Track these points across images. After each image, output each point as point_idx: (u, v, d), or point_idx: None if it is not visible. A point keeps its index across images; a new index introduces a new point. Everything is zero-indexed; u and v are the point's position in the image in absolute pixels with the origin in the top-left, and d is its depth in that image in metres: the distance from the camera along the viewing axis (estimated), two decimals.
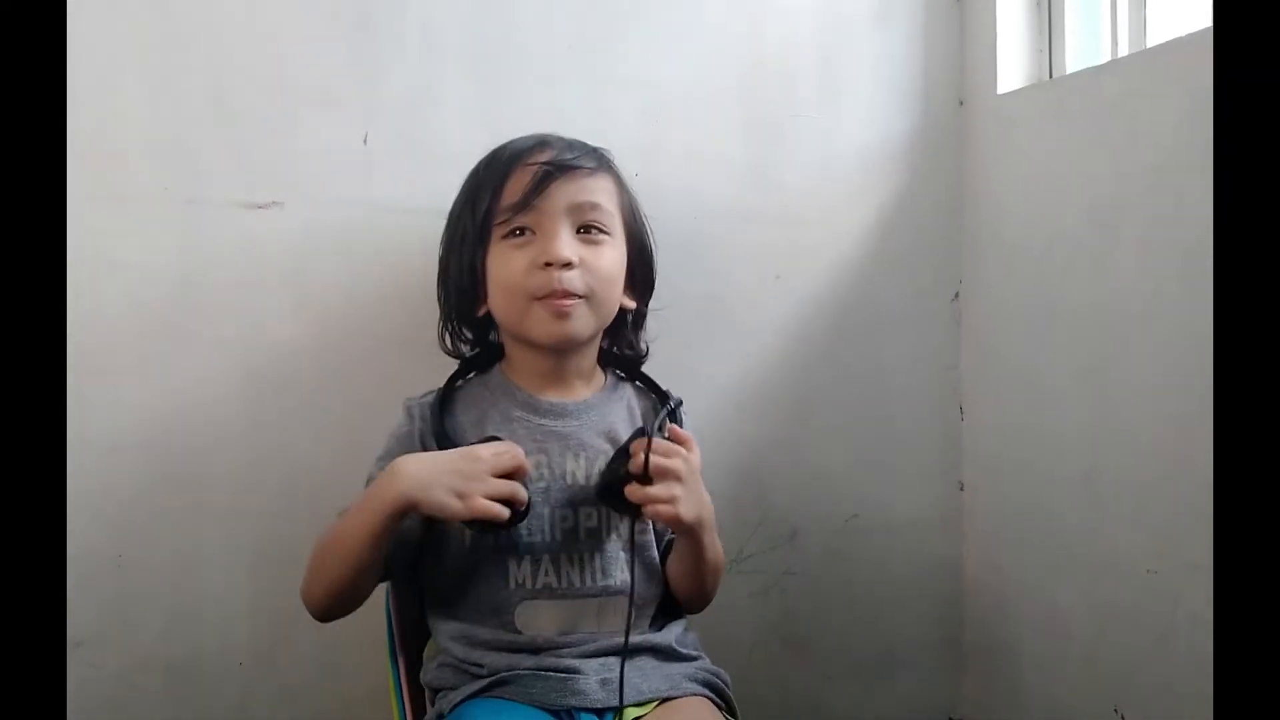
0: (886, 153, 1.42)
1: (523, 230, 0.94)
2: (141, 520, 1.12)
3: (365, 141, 1.18)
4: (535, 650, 0.91)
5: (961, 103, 1.45)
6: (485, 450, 0.86)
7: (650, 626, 0.97)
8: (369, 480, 0.94)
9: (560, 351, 0.97)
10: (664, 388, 1.03)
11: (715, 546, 0.97)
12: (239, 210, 1.13)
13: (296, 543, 1.16)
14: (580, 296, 0.93)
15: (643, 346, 1.07)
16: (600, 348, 1.04)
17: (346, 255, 1.17)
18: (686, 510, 0.89)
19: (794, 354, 1.38)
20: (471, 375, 1.02)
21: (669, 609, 1.00)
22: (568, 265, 0.92)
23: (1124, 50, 1.31)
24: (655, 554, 0.99)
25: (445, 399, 0.97)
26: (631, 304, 1.02)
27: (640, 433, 0.92)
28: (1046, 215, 1.31)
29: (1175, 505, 1.12)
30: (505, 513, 0.83)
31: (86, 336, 1.06)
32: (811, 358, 1.39)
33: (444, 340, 1.03)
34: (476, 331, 1.03)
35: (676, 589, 0.99)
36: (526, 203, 0.93)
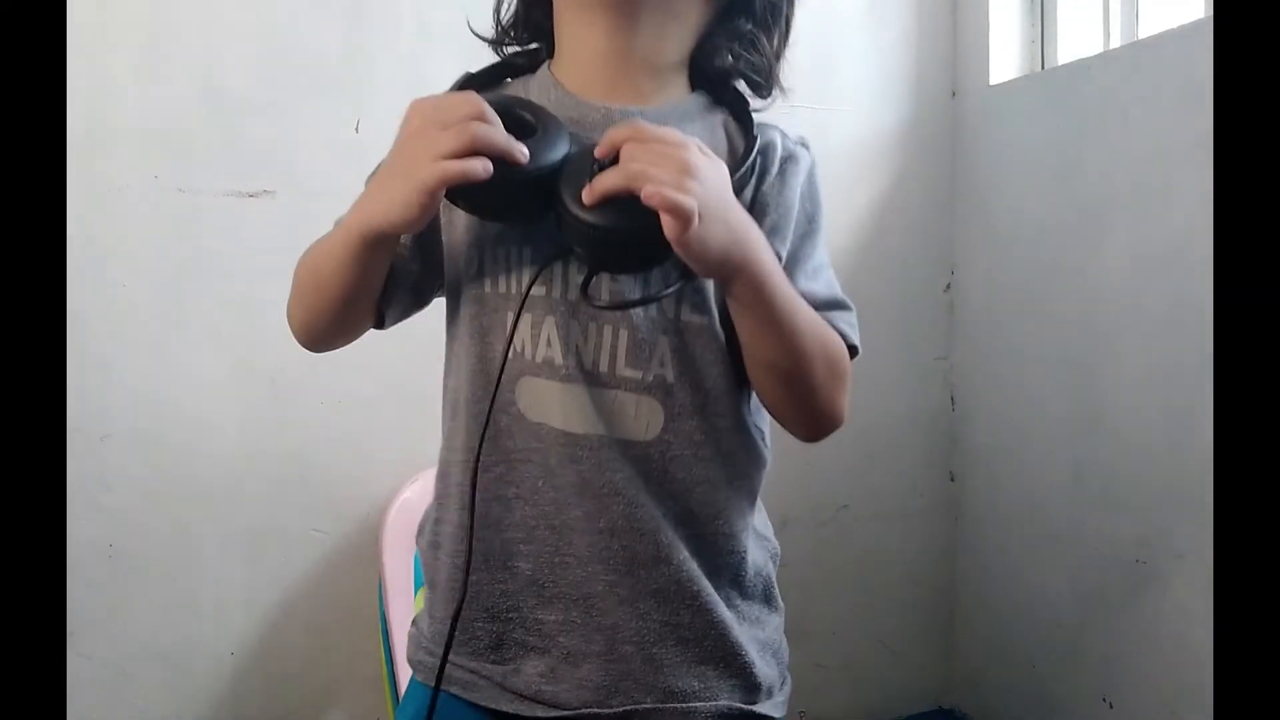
0: (879, 144, 1.42)
1: None
2: (133, 509, 1.11)
3: (357, 130, 1.17)
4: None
5: (954, 94, 1.45)
6: (425, 110, 0.60)
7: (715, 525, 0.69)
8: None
9: (619, 7, 0.69)
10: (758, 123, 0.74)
11: (791, 302, 0.65)
12: (230, 199, 1.13)
13: (288, 532, 1.17)
14: None
15: (751, 70, 0.77)
16: (701, 55, 0.76)
17: None
18: (703, 237, 0.56)
19: None
20: (509, 81, 0.77)
21: (742, 488, 0.72)
22: None
23: (1116, 42, 1.31)
24: (721, 337, 0.68)
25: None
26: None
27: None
28: (1038, 206, 1.31)
29: (1163, 496, 1.12)
30: (476, 165, 0.57)
31: (77, 325, 1.06)
32: None
33: (496, 14, 0.79)
34: (530, 16, 0.77)
35: (767, 398, 0.71)
36: None
